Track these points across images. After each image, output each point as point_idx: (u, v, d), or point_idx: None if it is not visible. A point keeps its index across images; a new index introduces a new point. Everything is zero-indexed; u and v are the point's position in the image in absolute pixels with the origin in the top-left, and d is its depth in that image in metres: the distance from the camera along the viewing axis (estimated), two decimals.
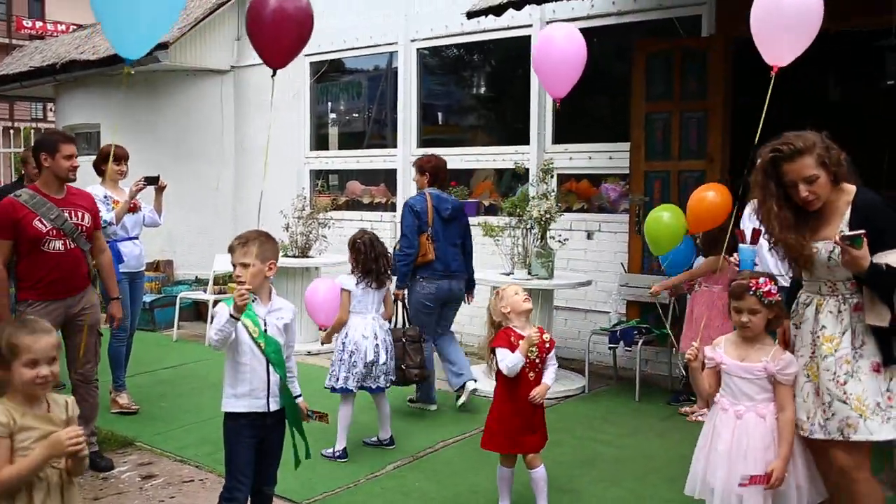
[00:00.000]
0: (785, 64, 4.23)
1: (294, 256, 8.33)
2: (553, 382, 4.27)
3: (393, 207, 9.39)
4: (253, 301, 3.54)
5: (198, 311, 9.88)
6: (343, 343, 5.26)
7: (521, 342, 4.13)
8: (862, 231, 3.08)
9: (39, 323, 2.70)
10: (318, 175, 10.25)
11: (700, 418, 5.93)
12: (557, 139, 8.19)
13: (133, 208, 6.41)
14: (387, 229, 9.26)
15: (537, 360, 4.19)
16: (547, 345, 4.23)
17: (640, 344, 6.58)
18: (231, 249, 3.58)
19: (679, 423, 5.99)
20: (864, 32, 6.67)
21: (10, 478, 2.50)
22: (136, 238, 6.51)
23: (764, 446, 3.34)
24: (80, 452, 2.57)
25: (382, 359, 5.26)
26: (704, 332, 5.92)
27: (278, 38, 4.67)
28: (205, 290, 9.21)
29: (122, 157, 6.48)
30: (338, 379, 5.21)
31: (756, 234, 4.22)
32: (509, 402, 4.21)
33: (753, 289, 3.34)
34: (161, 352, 8.11)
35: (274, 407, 3.61)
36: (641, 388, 6.55)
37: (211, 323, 8.68)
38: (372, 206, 9.66)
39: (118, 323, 5.32)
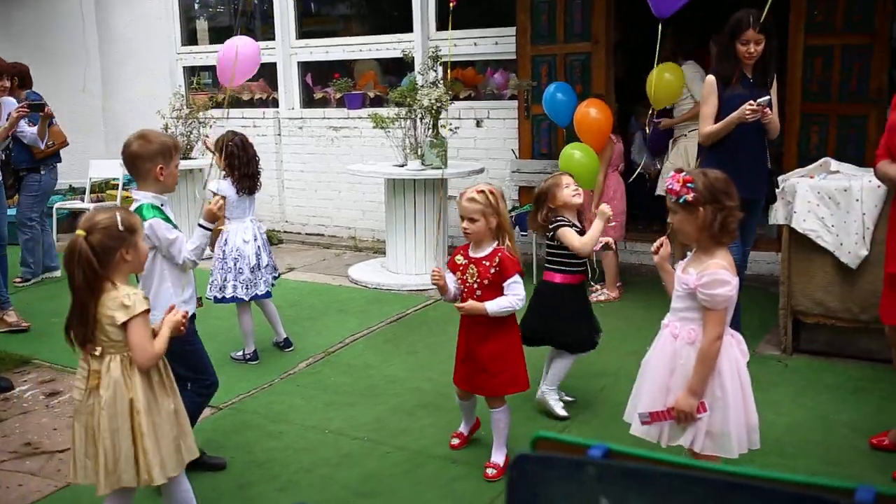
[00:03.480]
0: None
1: None
2: (499, 310, 3.48)
3: (275, 103, 9.11)
4: (162, 205, 3.47)
5: (75, 222, 9.44)
6: (223, 251, 4.98)
7: None
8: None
9: (118, 206, 2.99)
10: (192, 72, 9.79)
11: (600, 298, 6.19)
12: (442, 26, 8.05)
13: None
14: (269, 126, 9.01)
15: (475, 286, 3.55)
16: (493, 269, 3.51)
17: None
18: (178, 147, 3.55)
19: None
20: None
21: (162, 350, 2.83)
22: None
23: (665, 370, 2.87)
24: None
25: (265, 261, 5.09)
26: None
27: None
28: (82, 200, 8.78)
29: (3, 69, 6.03)
30: (221, 287, 4.97)
31: None
32: (459, 330, 3.72)
33: (667, 187, 2.86)
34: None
35: None
36: (538, 271, 6.70)
37: None
38: (252, 103, 9.33)
39: None
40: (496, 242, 3.56)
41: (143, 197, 3.43)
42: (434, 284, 3.60)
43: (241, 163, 5.05)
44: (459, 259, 3.62)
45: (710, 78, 4.63)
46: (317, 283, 7.02)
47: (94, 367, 2.79)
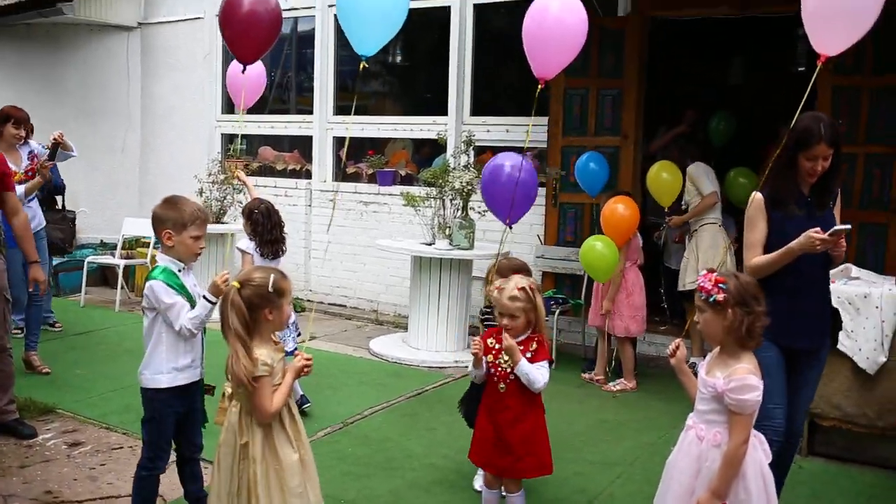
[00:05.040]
0: (833, 54, 3.68)
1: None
2: (527, 372, 3.49)
3: (308, 175, 9.34)
4: (179, 271, 3.55)
5: (104, 276, 9.64)
6: None
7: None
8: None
9: (277, 269, 3.15)
10: (230, 139, 10.07)
11: (615, 388, 6.26)
12: (475, 111, 8.30)
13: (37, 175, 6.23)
14: (301, 196, 9.22)
15: (509, 370, 3.55)
16: (529, 354, 3.54)
17: (556, 314, 6.82)
18: (195, 219, 3.51)
19: (594, 390, 6.27)
20: (776, 19, 7.02)
21: (279, 406, 3.01)
22: (31, 200, 6.28)
23: (691, 472, 2.93)
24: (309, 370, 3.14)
25: (292, 318, 5.22)
26: (612, 304, 6.25)
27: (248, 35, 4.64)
28: (113, 255, 8.96)
29: (21, 119, 6.23)
30: None
31: None
32: (482, 412, 3.73)
33: (699, 285, 2.93)
34: (69, 317, 7.87)
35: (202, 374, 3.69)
36: (557, 356, 6.78)
37: (122, 289, 8.51)
38: (285, 173, 9.57)
39: (43, 287, 5.07)
40: (530, 331, 3.60)
41: (161, 260, 3.54)
42: (472, 353, 3.63)
43: (264, 229, 5.31)
44: (492, 342, 3.63)
45: (758, 197, 3.72)
46: (338, 354, 7.10)
47: (223, 406, 3.12)
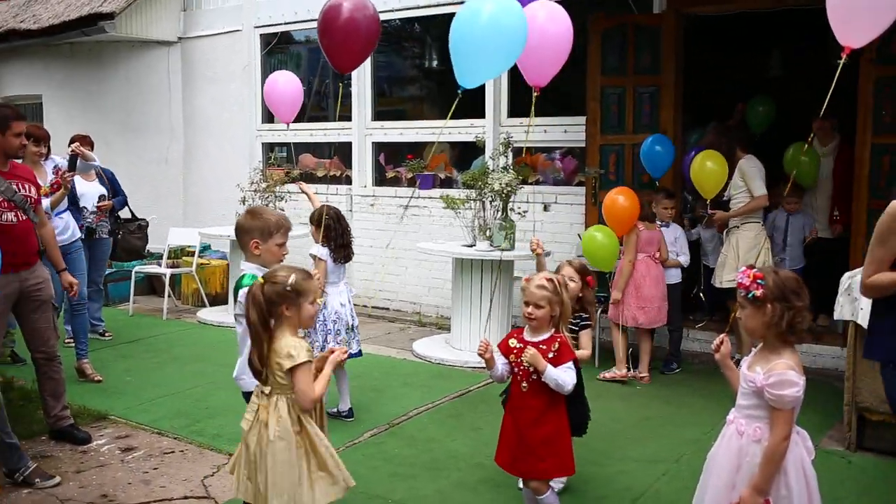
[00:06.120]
0: (857, 46, 3.64)
1: None
2: (554, 378, 3.48)
3: (348, 180, 9.44)
4: None
5: (151, 285, 9.83)
6: (323, 314, 5.32)
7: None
8: None
9: (304, 270, 3.27)
10: (270, 148, 10.21)
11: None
12: (512, 113, 8.32)
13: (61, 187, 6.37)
14: (342, 202, 9.32)
15: (531, 369, 3.54)
16: (552, 354, 3.53)
17: (598, 312, 6.81)
18: (280, 227, 3.68)
19: (639, 387, 6.26)
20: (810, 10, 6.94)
21: (321, 393, 3.20)
22: (62, 212, 6.45)
23: (731, 467, 2.92)
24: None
25: (356, 322, 5.52)
26: (622, 295, 6.29)
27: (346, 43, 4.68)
28: (159, 264, 9.13)
29: (41, 138, 6.37)
30: (322, 348, 5.19)
31: None
32: (507, 412, 3.77)
33: (738, 281, 2.94)
34: (119, 326, 8.05)
35: None
36: (600, 355, 6.77)
37: (169, 297, 8.65)
38: (326, 180, 9.69)
39: (76, 290, 5.28)
40: (553, 330, 3.61)
41: (247, 267, 3.65)
42: (480, 356, 3.63)
43: (336, 234, 5.43)
44: (513, 342, 3.64)
45: None
46: (382, 356, 7.17)
47: (263, 404, 3.20)
